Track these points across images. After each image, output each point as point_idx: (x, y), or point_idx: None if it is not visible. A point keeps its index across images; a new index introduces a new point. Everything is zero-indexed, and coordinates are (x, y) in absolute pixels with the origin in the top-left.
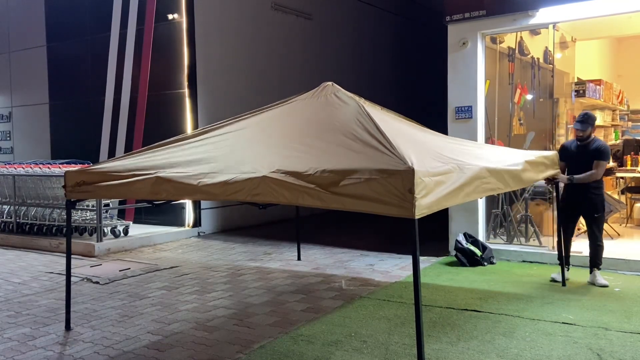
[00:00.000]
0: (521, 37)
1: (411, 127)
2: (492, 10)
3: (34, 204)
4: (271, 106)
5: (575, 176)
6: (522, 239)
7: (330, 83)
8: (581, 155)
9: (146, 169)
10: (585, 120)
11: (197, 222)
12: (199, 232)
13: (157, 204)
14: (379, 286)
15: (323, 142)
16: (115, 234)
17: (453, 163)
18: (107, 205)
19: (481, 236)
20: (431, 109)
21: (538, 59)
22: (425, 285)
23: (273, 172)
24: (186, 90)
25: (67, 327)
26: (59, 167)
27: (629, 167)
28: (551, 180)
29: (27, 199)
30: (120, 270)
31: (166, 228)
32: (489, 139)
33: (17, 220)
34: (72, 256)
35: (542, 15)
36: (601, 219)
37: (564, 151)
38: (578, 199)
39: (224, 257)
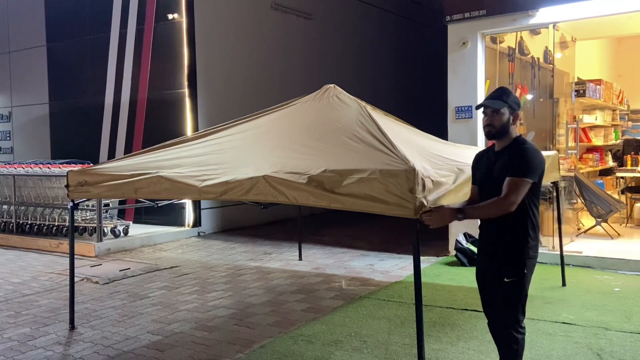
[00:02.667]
0: (521, 37)
1: (411, 131)
2: (492, 10)
3: (34, 204)
4: (273, 109)
5: (468, 207)
6: None
7: (332, 85)
8: (495, 168)
9: (148, 169)
10: (499, 97)
11: (197, 222)
12: (199, 232)
13: (159, 205)
14: (379, 286)
15: (325, 143)
16: (115, 234)
17: (452, 164)
18: (107, 205)
19: None
20: (432, 109)
21: (538, 58)
22: (425, 285)
23: (275, 171)
24: (186, 90)
25: (72, 326)
26: (59, 167)
27: (629, 167)
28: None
29: (27, 199)
30: (120, 270)
31: (166, 228)
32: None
33: (17, 220)
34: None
35: (542, 15)
36: (517, 289)
37: (475, 164)
38: (488, 248)
39: (224, 257)
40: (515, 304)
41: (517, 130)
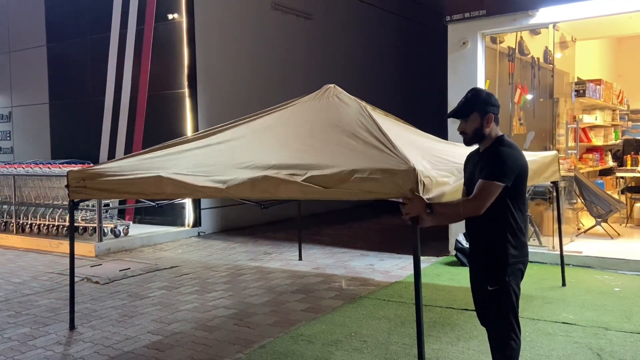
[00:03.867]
0: (521, 37)
1: (411, 131)
2: (492, 10)
3: (34, 204)
4: (273, 109)
5: (437, 203)
6: None
7: (332, 85)
8: (477, 170)
9: (148, 169)
10: (467, 102)
11: (197, 222)
12: (199, 232)
13: (159, 205)
14: (379, 286)
15: (325, 142)
16: (116, 234)
17: (452, 164)
18: (107, 205)
19: None
20: (432, 108)
21: (538, 58)
22: (425, 285)
23: (276, 172)
24: (186, 90)
25: (72, 326)
26: (59, 167)
27: (629, 167)
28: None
29: (27, 199)
30: (120, 270)
31: (166, 228)
32: None
33: (17, 220)
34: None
35: (542, 15)
36: (503, 297)
37: (465, 166)
38: (472, 255)
39: (224, 257)
40: (505, 312)
41: (497, 130)
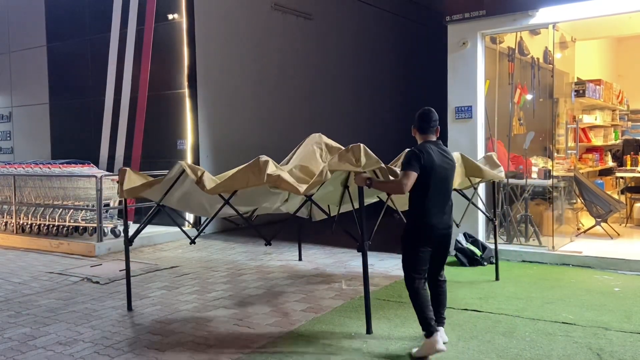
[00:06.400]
0: (521, 37)
1: None
2: (492, 10)
3: (34, 204)
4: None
5: (375, 179)
6: (522, 239)
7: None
8: None
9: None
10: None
11: (197, 222)
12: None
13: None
14: (379, 286)
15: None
16: (116, 234)
17: None
18: (107, 205)
19: (481, 236)
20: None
21: (538, 59)
22: None
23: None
24: (186, 90)
25: (129, 307)
26: (59, 167)
27: (628, 167)
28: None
29: (27, 199)
30: (120, 270)
31: (166, 228)
32: (488, 139)
33: (17, 220)
34: (72, 256)
35: (542, 15)
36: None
37: None
38: None
39: (224, 257)
40: (404, 262)
41: (422, 138)
